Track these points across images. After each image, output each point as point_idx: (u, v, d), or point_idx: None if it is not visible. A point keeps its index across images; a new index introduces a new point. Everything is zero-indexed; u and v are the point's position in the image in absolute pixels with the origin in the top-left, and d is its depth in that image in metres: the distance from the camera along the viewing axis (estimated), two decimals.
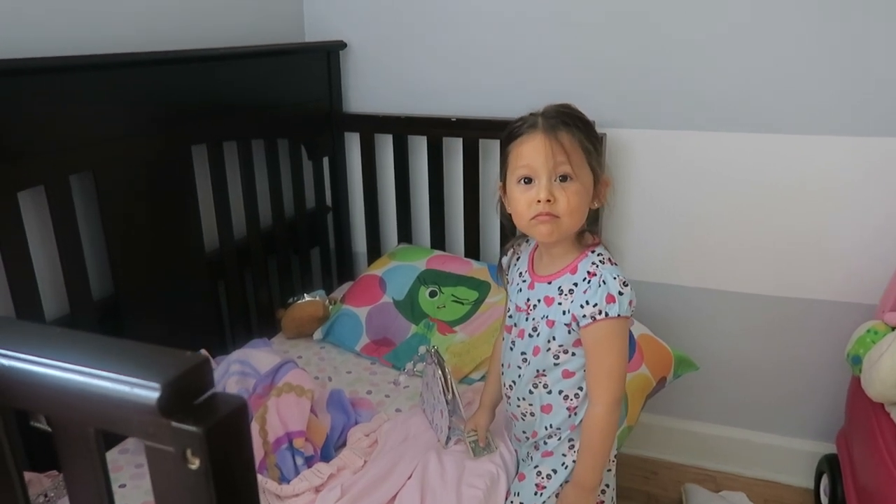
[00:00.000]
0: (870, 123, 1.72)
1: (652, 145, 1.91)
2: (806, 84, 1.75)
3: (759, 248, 1.90)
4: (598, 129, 1.83)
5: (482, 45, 1.98)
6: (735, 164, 1.86)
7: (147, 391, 0.41)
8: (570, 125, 1.11)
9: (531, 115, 1.15)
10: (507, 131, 1.17)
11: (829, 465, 1.83)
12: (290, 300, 1.88)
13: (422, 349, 1.71)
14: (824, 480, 1.87)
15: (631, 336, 1.71)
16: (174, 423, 0.41)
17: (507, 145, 1.16)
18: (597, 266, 1.13)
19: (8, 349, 0.45)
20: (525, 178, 1.12)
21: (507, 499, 1.26)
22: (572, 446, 1.22)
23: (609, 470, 1.28)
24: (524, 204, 1.12)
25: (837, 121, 1.75)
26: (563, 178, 1.10)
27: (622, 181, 1.95)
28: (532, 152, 1.10)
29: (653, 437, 2.13)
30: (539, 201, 1.09)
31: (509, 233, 1.27)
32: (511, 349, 1.25)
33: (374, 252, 2.19)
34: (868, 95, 1.71)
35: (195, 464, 0.41)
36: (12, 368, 0.45)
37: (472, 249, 2.07)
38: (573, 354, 1.17)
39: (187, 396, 0.42)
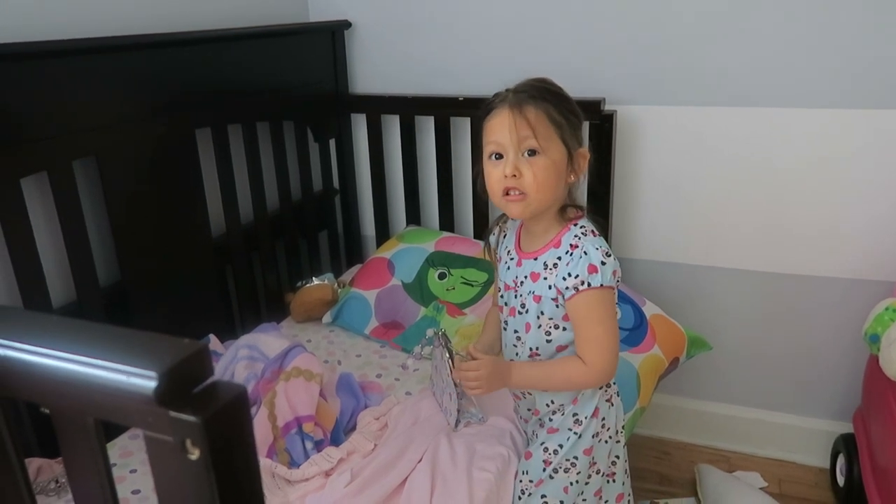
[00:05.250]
0: (885, 96, 1.68)
1: (661, 122, 1.87)
2: (818, 57, 1.71)
3: (772, 225, 1.87)
4: (607, 107, 1.83)
5: (489, 23, 1.95)
6: (746, 139, 1.82)
7: (144, 380, 0.40)
8: (538, 98, 1.11)
9: (506, 90, 1.15)
10: (483, 107, 1.17)
11: (846, 445, 1.81)
12: (299, 284, 1.87)
13: (429, 332, 1.69)
14: (840, 460, 1.85)
15: (643, 316, 1.69)
16: (172, 413, 0.40)
17: (482, 121, 1.17)
18: (579, 238, 1.14)
19: (4, 339, 0.44)
20: (495, 153, 1.13)
21: (515, 478, 1.26)
22: (577, 420, 1.21)
23: (618, 441, 1.27)
24: (495, 179, 1.13)
25: (851, 94, 1.71)
26: (532, 153, 1.10)
27: (631, 158, 1.92)
28: (499, 127, 1.11)
29: (666, 417, 2.12)
30: (506, 176, 1.10)
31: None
32: (504, 329, 1.25)
33: (383, 234, 2.17)
34: (883, 67, 1.66)
35: (195, 454, 0.41)
36: (9, 358, 0.44)
37: (482, 230, 2.04)
38: (564, 329, 1.17)
39: (186, 385, 0.41)
